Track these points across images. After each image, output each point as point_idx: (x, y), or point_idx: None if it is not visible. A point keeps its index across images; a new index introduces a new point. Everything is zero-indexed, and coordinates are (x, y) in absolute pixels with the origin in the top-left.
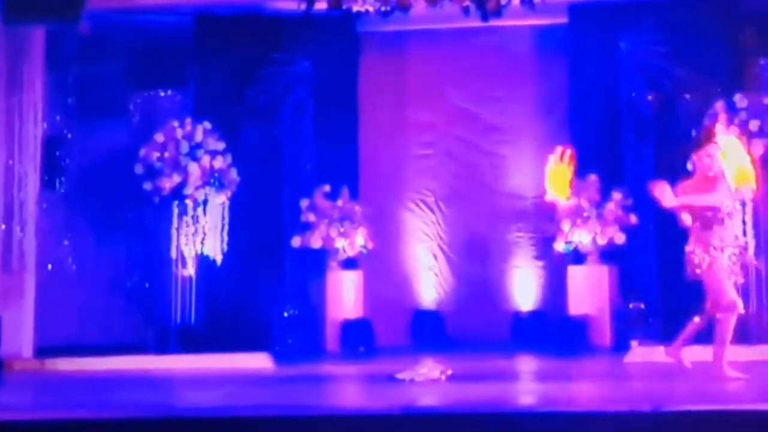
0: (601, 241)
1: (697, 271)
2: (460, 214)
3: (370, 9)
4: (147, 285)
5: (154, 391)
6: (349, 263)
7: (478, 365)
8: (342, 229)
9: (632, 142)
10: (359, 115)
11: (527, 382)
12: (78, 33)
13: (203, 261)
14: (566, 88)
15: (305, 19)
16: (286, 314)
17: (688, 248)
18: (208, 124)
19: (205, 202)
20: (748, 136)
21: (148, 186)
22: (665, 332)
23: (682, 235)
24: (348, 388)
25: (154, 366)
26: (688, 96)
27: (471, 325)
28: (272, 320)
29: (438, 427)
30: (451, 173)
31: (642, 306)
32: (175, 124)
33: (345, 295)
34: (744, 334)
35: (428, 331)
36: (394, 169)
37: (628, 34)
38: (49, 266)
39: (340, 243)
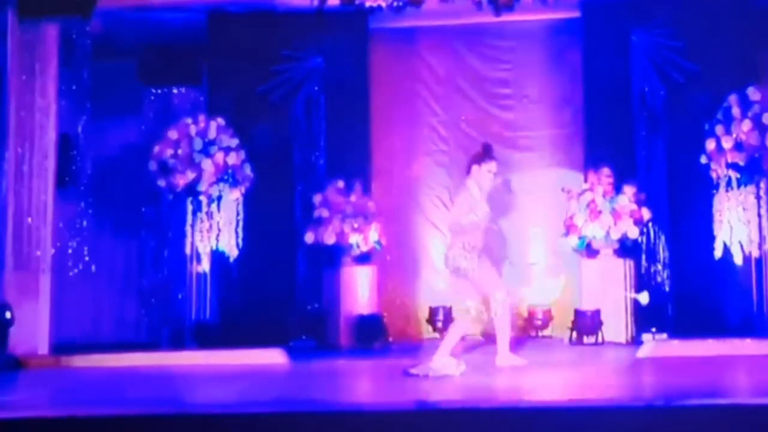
0: (615, 236)
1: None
2: None
3: (383, 5)
4: (161, 281)
5: (169, 388)
6: (363, 259)
7: (492, 360)
8: (355, 225)
9: (645, 135)
10: (371, 110)
11: (541, 376)
12: (91, 30)
13: (217, 257)
14: (580, 82)
15: (318, 15)
16: (304, 309)
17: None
18: (221, 121)
19: (219, 199)
20: (761, 129)
21: (162, 183)
22: (679, 326)
23: (694, 230)
24: (362, 383)
25: (168, 362)
26: (700, 89)
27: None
28: (286, 316)
29: (452, 422)
30: (464, 168)
31: (651, 299)
32: (189, 120)
33: (359, 291)
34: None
35: (442, 327)
36: (406, 164)
37: (641, 28)
38: (68, 263)
39: (353, 239)
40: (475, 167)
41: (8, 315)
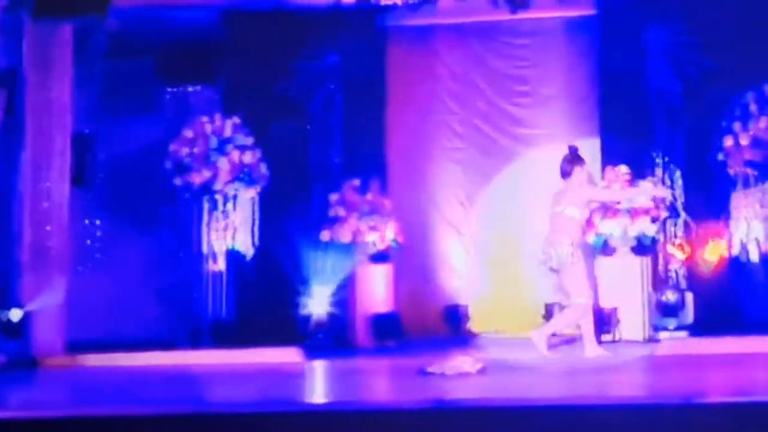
0: (632, 233)
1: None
2: (490, 208)
3: (398, 2)
4: (178, 280)
5: (186, 387)
6: (379, 257)
7: (509, 358)
8: (372, 223)
9: (662, 132)
10: (387, 108)
11: (558, 375)
12: (107, 28)
13: (234, 256)
14: (596, 79)
15: (333, 13)
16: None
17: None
18: (237, 119)
19: (234, 197)
20: None
21: (178, 181)
22: (696, 324)
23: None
24: (378, 382)
25: (185, 361)
26: (717, 86)
27: (501, 318)
28: (302, 315)
29: (470, 420)
30: (480, 167)
31: (673, 298)
32: (204, 119)
33: (375, 289)
34: None
35: (458, 325)
36: (422, 162)
37: (656, 24)
38: (85, 262)
39: (370, 237)
40: (578, 168)
41: (24, 314)
